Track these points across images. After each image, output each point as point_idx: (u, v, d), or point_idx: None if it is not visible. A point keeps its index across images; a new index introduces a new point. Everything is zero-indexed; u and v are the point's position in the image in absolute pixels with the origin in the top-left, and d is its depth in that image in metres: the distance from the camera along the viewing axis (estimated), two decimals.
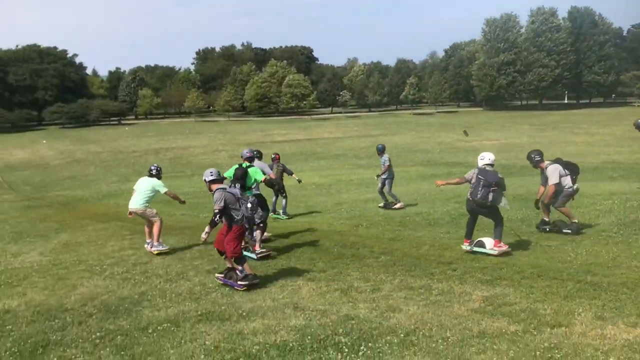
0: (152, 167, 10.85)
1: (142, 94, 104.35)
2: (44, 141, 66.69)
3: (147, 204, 10.39)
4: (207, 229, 7.31)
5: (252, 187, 9.67)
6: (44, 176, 33.91)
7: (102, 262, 9.76)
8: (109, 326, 6.06)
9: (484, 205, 8.73)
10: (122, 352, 5.27)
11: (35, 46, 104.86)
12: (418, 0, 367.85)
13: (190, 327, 5.90)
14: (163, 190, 10.43)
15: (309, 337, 5.44)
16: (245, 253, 8.17)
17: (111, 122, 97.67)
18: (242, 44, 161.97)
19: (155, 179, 10.53)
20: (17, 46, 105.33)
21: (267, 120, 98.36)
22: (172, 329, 5.86)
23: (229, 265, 7.57)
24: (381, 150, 15.59)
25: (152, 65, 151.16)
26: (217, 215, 7.28)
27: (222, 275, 7.65)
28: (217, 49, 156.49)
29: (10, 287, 8.12)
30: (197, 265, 8.95)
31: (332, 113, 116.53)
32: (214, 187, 7.57)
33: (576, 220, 10.23)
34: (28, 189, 33.86)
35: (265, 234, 10.49)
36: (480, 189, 8.64)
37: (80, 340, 5.68)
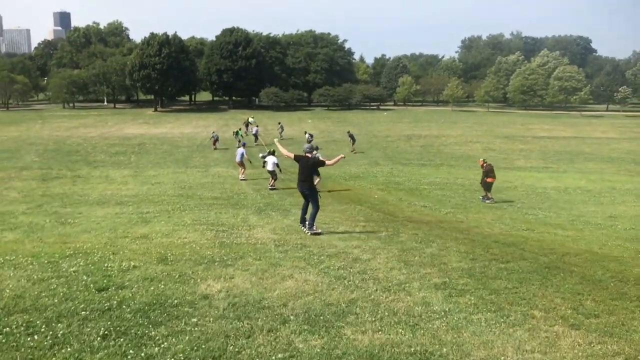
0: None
1: (401, 81, 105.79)
2: (309, 120, 71.57)
3: None
4: None
5: None
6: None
7: (323, 250, 8.77)
8: (298, 344, 4.83)
9: None
10: None
11: (311, 31, 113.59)
12: None
13: None
14: None
15: None
16: None
17: (371, 107, 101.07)
18: (511, 33, 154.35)
19: None
20: (297, 31, 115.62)
21: (530, 114, 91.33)
22: None
23: None
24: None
25: (417, 53, 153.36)
26: None
27: None
28: (484, 37, 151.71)
29: (224, 267, 7.56)
30: (425, 274, 7.30)
31: (607, 110, 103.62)
32: None
33: None
34: (288, 163, 36.13)
35: None
36: None
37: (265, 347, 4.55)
